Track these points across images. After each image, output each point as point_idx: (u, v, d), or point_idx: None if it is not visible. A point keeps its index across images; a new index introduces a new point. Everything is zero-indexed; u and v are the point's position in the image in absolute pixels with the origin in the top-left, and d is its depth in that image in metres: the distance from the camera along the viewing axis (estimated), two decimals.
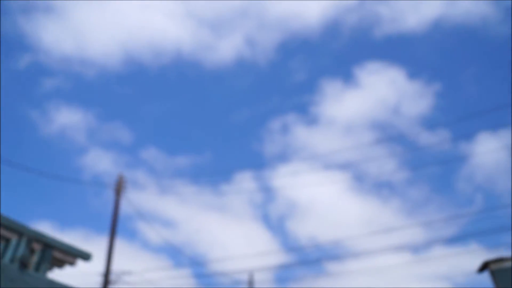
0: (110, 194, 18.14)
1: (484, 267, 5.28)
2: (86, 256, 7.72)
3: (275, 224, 49.85)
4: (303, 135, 47.54)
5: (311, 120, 50.32)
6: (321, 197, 44.78)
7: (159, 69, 48.46)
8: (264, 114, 51.81)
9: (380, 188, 49.81)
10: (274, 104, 51.16)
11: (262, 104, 51.89)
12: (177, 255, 49.11)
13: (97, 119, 47.47)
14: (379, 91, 45.53)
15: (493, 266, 5.17)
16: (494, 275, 5.11)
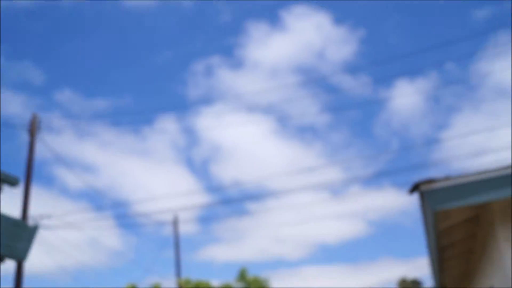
0: (23, 137, 16.71)
1: (415, 188, 4.86)
2: (13, 181, 6.60)
3: (199, 167, 49.69)
4: (227, 78, 46.58)
5: (236, 63, 49.21)
6: (245, 140, 44.91)
7: (74, 4, 44.89)
8: (188, 56, 49.95)
9: (303, 131, 50.37)
10: (198, 46, 49.28)
11: (186, 46, 49.81)
12: (99, 200, 48.27)
13: (4, 57, 43.90)
14: (305, 35, 45.07)
15: (423, 187, 4.74)
16: (424, 196, 4.70)
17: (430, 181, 4.62)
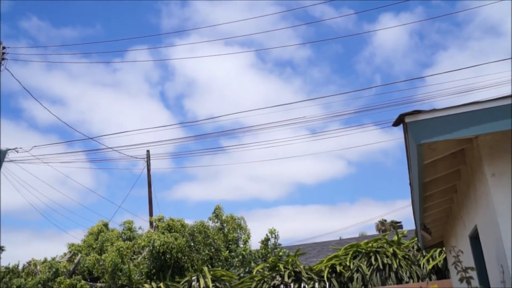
0: None
1: (399, 120, 4.73)
2: None
3: (173, 102, 48.97)
4: (203, 8, 45.06)
5: None
6: (221, 75, 43.96)
7: None
8: None
9: (282, 66, 49.62)
10: None
11: None
12: (69, 134, 47.60)
13: None
14: None
15: (408, 119, 4.62)
16: (408, 128, 4.58)
17: (415, 112, 4.49)
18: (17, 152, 20.50)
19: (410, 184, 6.64)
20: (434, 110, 4.52)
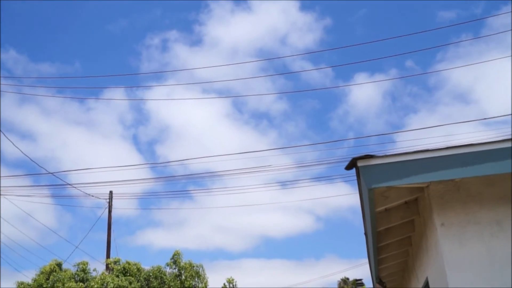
0: None
1: (352, 164, 4.74)
2: None
3: (145, 147, 48.83)
4: (183, 54, 45.89)
5: (194, 40, 48.60)
6: (197, 122, 44.28)
7: None
8: (144, 28, 48.97)
9: (258, 118, 50.46)
10: (155, 18, 48.30)
11: (142, 17, 48.77)
12: (38, 170, 46.35)
13: None
14: (269, 19, 44.89)
15: (360, 163, 4.63)
16: (361, 172, 4.58)
17: (367, 157, 4.50)
18: None
19: (365, 233, 6.61)
20: (386, 156, 4.55)
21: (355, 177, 4.92)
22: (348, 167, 4.69)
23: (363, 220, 5.96)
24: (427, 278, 6.01)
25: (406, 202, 5.71)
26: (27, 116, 40.52)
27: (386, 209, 5.63)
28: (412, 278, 8.00)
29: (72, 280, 19.71)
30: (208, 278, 20.01)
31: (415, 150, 4.54)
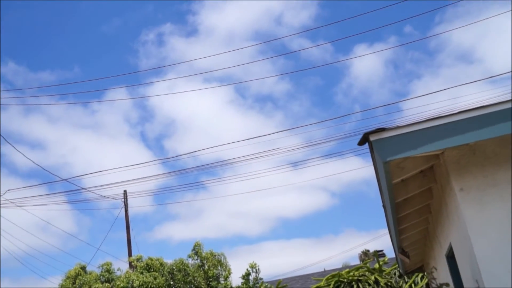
0: None
1: (364, 139, 4.71)
2: None
3: (154, 142, 48.92)
4: (180, 46, 45.59)
5: (189, 31, 48.23)
6: (201, 112, 44.12)
7: None
8: (138, 25, 48.63)
9: (262, 101, 50.22)
10: (147, 13, 47.91)
11: (135, 14, 48.40)
12: (50, 178, 46.72)
13: None
14: (262, 0, 44.35)
15: (373, 137, 4.60)
16: (374, 146, 4.55)
17: (379, 130, 4.47)
18: None
19: (383, 205, 6.60)
20: (398, 127, 4.52)
21: (365, 150, 4.89)
22: (361, 143, 4.66)
23: (380, 193, 5.94)
24: (450, 244, 6.00)
25: (422, 171, 5.68)
26: (34, 126, 40.71)
27: (402, 180, 5.61)
28: (434, 245, 8.00)
29: (98, 281, 19.95)
30: (230, 265, 20.18)
31: (426, 118, 4.49)
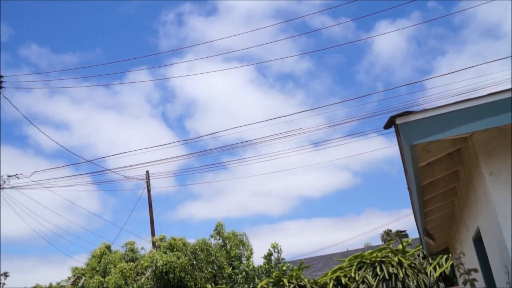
0: None
1: (390, 122, 4.63)
2: None
3: (175, 122, 49.13)
4: (200, 26, 45.35)
5: (208, 10, 47.87)
6: (222, 92, 44.04)
7: None
8: (157, 5, 48.49)
9: (283, 80, 49.75)
10: None
11: None
12: (75, 159, 47.49)
13: None
14: None
15: (399, 121, 4.52)
16: (400, 130, 4.48)
17: (405, 113, 4.39)
18: (18, 178, 20.46)
19: (408, 188, 6.52)
20: (425, 110, 4.42)
21: (389, 130, 4.80)
22: (387, 126, 4.58)
23: (405, 176, 5.86)
24: (478, 228, 5.91)
25: (448, 154, 5.58)
26: (58, 107, 41.37)
27: (428, 163, 5.51)
28: (461, 228, 7.90)
29: (123, 260, 20.35)
30: (252, 245, 20.35)
31: (454, 101, 4.38)
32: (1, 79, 17.76)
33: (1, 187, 19.79)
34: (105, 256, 20.91)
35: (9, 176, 20.33)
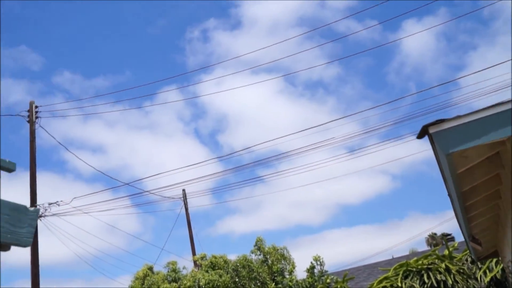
0: (26, 126, 16.84)
1: (423, 132, 4.55)
2: (10, 166, 6.56)
3: (208, 138, 49.51)
4: (225, 40, 45.78)
5: (233, 24, 48.29)
6: (251, 104, 44.16)
7: None
8: (182, 23, 49.28)
9: (313, 88, 49.52)
10: (190, 10, 48.47)
11: (178, 13, 49.11)
12: (113, 182, 48.29)
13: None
14: None
15: (432, 130, 4.43)
16: (434, 139, 4.39)
17: (438, 122, 4.30)
18: (59, 205, 21.00)
19: (448, 194, 6.37)
20: (459, 116, 4.33)
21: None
22: (420, 136, 4.50)
23: (444, 183, 5.73)
24: None
25: (487, 158, 5.43)
26: (93, 131, 42.41)
27: (467, 169, 5.38)
28: (507, 231, 7.65)
29: (166, 281, 20.53)
30: (294, 258, 20.21)
31: (489, 105, 4.28)
32: (37, 109, 18.36)
33: (43, 215, 20.31)
34: (148, 277, 21.15)
35: (50, 203, 20.89)
